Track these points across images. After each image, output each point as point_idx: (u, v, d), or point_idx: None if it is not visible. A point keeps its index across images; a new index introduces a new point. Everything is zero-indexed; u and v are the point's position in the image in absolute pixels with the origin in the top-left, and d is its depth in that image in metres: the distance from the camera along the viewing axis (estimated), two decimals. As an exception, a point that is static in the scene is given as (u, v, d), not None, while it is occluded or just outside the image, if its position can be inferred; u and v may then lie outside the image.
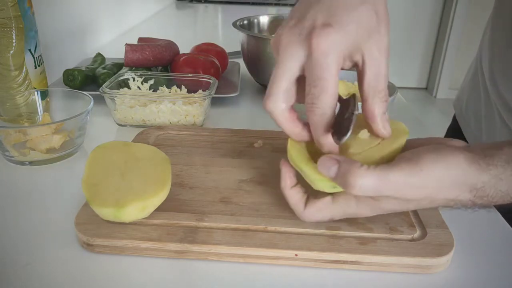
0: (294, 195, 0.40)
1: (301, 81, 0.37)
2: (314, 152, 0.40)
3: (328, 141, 0.37)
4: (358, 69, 0.38)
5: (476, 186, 0.33)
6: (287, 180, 0.40)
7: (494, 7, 0.67)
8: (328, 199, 0.39)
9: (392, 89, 0.64)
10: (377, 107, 0.37)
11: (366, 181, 0.33)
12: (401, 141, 0.38)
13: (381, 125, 0.37)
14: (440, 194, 0.34)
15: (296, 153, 0.39)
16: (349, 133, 0.35)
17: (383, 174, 0.33)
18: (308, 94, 0.36)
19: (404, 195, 0.34)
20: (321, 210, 0.39)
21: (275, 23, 0.91)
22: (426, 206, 0.36)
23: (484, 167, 0.33)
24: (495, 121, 0.65)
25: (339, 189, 0.37)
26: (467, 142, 0.43)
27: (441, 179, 0.33)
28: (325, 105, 0.35)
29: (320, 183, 0.37)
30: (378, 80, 0.36)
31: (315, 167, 0.36)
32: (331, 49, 0.34)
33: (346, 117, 0.36)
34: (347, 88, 0.65)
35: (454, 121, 0.80)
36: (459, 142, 0.37)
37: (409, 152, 0.35)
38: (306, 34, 0.35)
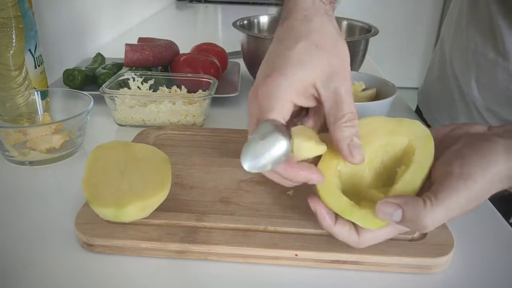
0: (342, 231, 0.37)
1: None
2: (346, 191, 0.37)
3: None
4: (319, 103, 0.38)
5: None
6: (327, 219, 0.36)
7: (467, 15, 0.69)
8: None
9: (392, 89, 0.65)
10: (339, 133, 0.36)
11: (436, 219, 0.32)
12: (430, 152, 0.37)
13: (347, 151, 0.36)
14: (491, 192, 0.34)
15: (332, 200, 0.36)
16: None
17: (447, 202, 0.32)
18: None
19: (468, 210, 0.34)
20: (377, 236, 0.37)
21: (275, 23, 0.91)
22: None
23: None
24: (474, 118, 0.67)
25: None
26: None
27: (492, 180, 0.33)
28: None
29: (375, 226, 0.35)
30: (337, 106, 0.36)
31: (362, 212, 0.35)
32: (272, 93, 0.36)
33: None
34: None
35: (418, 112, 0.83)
36: (481, 127, 0.37)
37: (455, 165, 0.34)
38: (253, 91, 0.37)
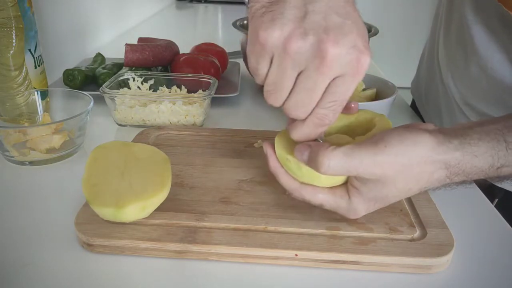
0: (287, 175, 0.41)
1: None
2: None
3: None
4: None
5: (450, 163, 0.35)
6: (274, 159, 0.41)
7: (445, 10, 0.70)
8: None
9: (392, 89, 0.65)
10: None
11: (333, 160, 0.35)
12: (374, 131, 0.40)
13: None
14: (412, 171, 0.35)
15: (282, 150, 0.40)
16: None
17: (348, 152, 0.35)
18: (291, 98, 0.35)
19: (373, 174, 0.35)
20: (315, 191, 0.39)
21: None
22: (411, 190, 0.37)
23: (457, 145, 0.35)
24: (454, 111, 0.68)
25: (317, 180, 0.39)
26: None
27: (408, 156, 0.34)
28: (305, 113, 0.35)
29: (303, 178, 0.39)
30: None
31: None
32: (337, 63, 0.32)
33: None
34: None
35: (413, 107, 0.84)
36: (430, 126, 0.38)
37: (381, 132, 0.37)
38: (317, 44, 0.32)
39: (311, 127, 0.36)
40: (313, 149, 0.36)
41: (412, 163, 0.35)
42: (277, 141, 0.41)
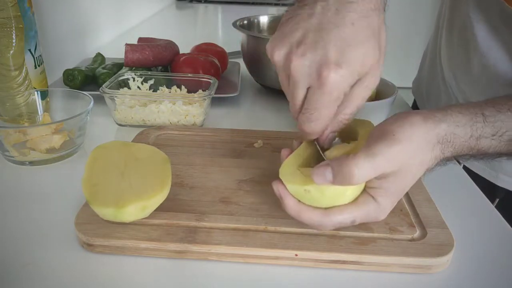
0: (306, 209, 0.38)
1: None
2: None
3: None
4: None
5: (440, 134, 0.36)
6: (290, 198, 0.38)
7: (448, 8, 0.70)
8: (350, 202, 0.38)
9: (392, 89, 0.64)
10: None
11: (361, 166, 0.34)
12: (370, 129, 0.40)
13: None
14: (421, 152, 0.36)
15: (288, 173, 0.39)
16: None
17: (369, 153, 0.35)
18: (305, 113, 0.38)
19: (396, 165, 0.35)
20: (342, 212, 0.38)
21: (275, 23, 0.91)
22: (419, 172, 0.37)
23: (441, 117, 0.37)
24: None
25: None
26: None
27: (411, 137, 0.36)
28: (316, 127, 0.38)
29: (329, 201, 0.37)
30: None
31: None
32: (338, 87, 0.35)
33: None
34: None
35: (415, 107, 0.85)
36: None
37: (374, 130, 0.38)
38: (317, 66, 0.35)
39: (302, 125, 0.38)
40: (334, 166, 0.35)
41: (420, 144, 0.36)
42: (285, 177, 0.39)
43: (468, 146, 0.38)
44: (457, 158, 0.40)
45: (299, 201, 0.38)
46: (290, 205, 0.38)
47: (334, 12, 0.35)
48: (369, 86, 0.37)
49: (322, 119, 0.37)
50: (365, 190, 0.38)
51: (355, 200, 0.38)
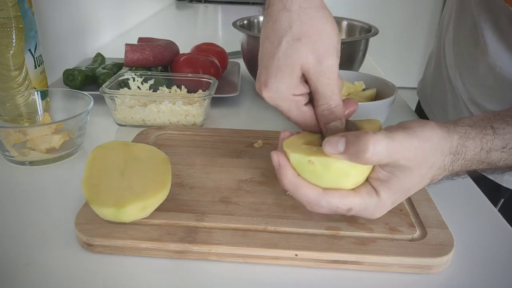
0: (306, 184, 0.37)
1: None
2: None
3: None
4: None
5: (453, 144, 0.36)
6: (290, 169, 0.37)
7: (455, 10, 0.70)
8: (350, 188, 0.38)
9: (392, 89, 0.64)
10: (319, 118, 0.42)
11: (378, 144, 0.33)
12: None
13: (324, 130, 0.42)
14: (432, 156, 0.36)
15: (294, 147, 0.38)
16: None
17: (390, 135, 0.34)
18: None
19: (409, 158, 0.35)
20: (342, 197, 0.37)
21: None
22: (427, 177, 0.37)
23: (452, 128, 0.37)
24: (461, 110, 0.68)
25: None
26: None
27: (431, 137, 0.35)
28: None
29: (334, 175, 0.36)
30: (318, 95, 0.41)
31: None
32: (273, 99, 0.41)
33: None
34: (347, 89, 0.65)
35: (419, 108, 0.85)
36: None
37: (393, 126, 0.37)
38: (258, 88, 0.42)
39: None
40: (350, 137, 0.34)
41: (436, 147, 0.36)
42: (289, 147, 0.37)
43: (479, 160, 0.38)
44: (468, 171, 0.39)
45: (298, 175, 0.37)
46: (288, 176, 0.37)
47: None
48: (324, 70, 0.39)
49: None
50: (368, 181, 0.37)
51: (356, 189, 0.37)
